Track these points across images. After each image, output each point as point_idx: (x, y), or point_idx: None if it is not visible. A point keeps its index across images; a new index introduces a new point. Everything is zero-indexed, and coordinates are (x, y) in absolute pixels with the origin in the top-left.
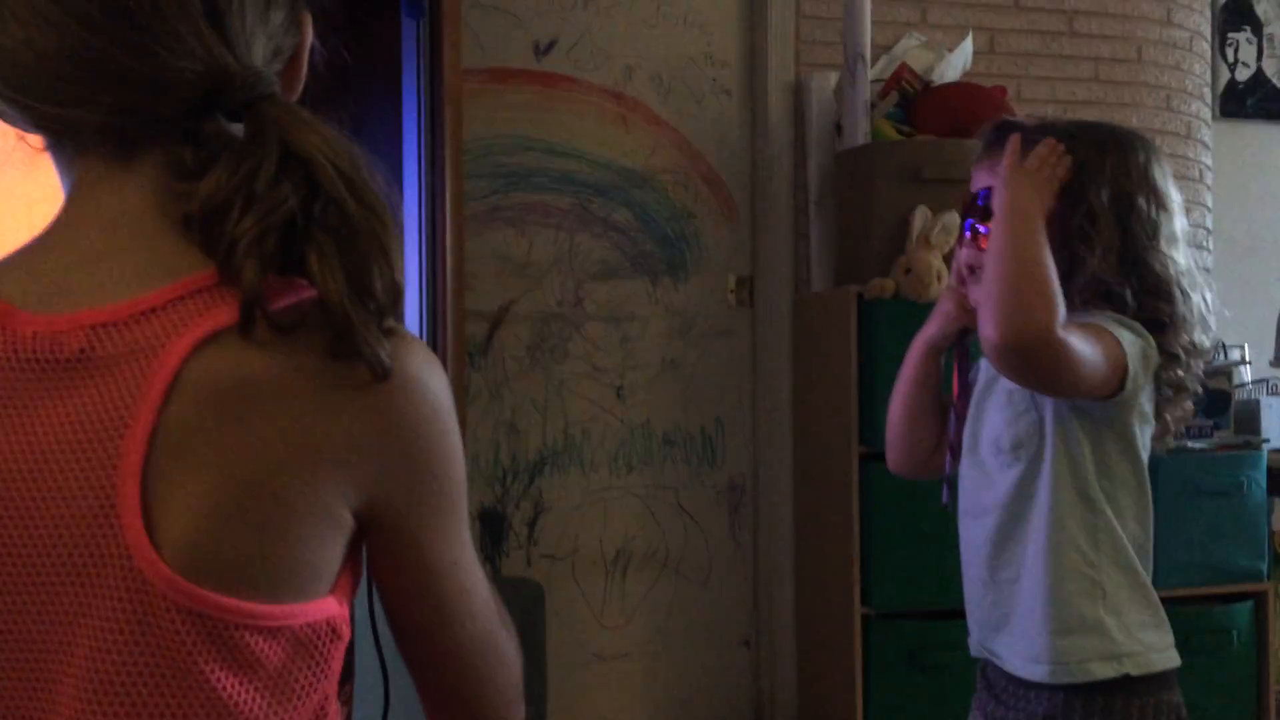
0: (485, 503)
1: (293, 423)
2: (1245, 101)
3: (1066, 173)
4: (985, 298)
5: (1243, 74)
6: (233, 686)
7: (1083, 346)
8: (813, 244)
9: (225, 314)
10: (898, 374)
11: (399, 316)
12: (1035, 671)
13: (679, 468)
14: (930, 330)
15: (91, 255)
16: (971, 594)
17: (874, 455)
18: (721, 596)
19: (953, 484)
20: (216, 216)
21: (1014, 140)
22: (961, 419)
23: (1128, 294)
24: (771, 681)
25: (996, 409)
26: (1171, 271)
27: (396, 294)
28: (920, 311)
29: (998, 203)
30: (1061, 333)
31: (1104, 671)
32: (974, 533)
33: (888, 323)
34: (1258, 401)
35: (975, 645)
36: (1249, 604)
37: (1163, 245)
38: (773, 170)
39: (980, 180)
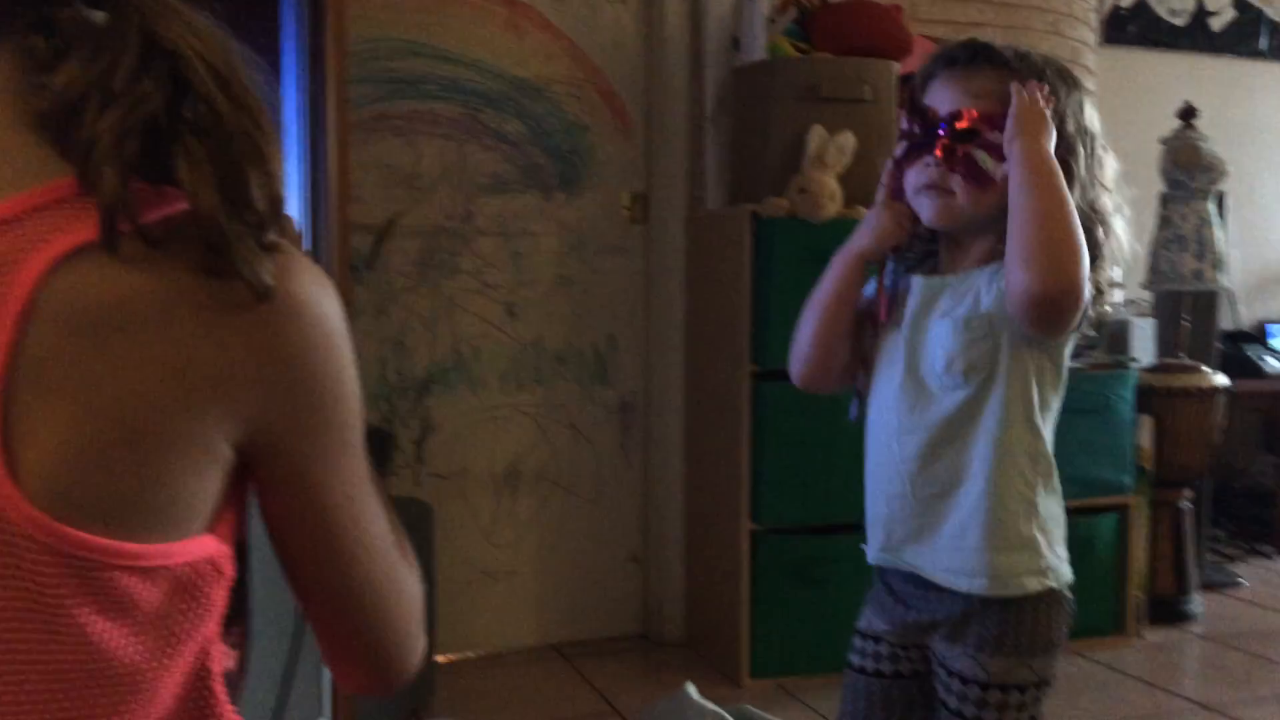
0: (371, 421)
1: (164, 348)
2: (1127, 28)
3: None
4: (1021, 249)
5: (1126, 0)
6: (106, 630)
7: None
8: (708, 161)
9: (87, 228)
10: (816, 287)
11: (283, 230)
12: (971, 584)
13: (570, 386)
14: (863, 243)
15: None
16: (881, 506)
17: (765, 374)
18: (611, 513)
19: (863, 399)
20: (71, 114)
21: (1033, 88)
22: (878, 334)
23: (1099, 232)
24: (660, 596)
25: (947, 332)
26: (1110, 208)
27: (277, 205)
28: (815, 231)
29: (1020, 148)
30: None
31: (1034, 586)
32: (897, 447)
33: (782, 242)
34: (1129, 323)
35: (876, 553)
36: (1114, 515)
37: (1108, 181)
38: (668, 84)
39: (946, 99)
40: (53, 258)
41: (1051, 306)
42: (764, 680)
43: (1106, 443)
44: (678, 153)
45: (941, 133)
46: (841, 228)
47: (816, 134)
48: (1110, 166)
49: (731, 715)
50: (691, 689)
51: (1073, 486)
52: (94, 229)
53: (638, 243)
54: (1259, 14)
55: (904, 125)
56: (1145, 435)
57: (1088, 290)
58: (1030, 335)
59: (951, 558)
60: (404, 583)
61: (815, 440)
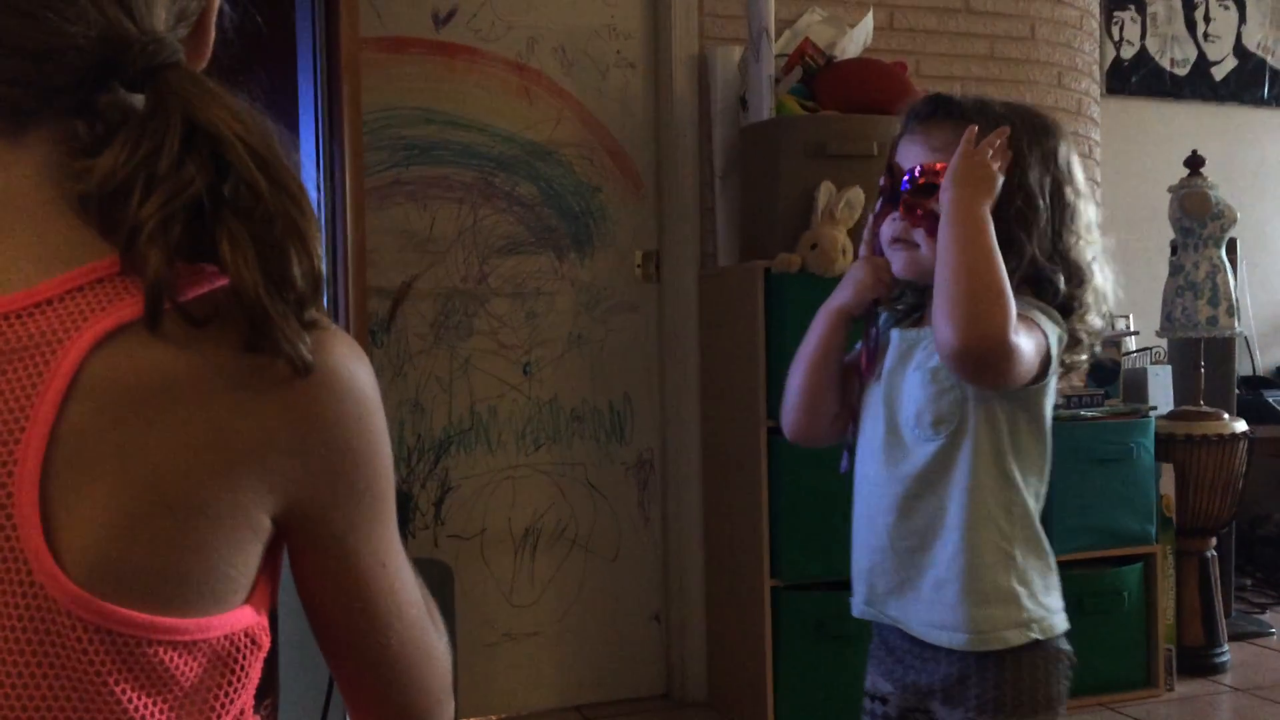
0: None
1: (205, 424)
2: (1130, 79)
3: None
4: (943, 302)
5: (1127, 51)
6: (145, 706)
7: (1025, 343)
8: (718, 219)
9: (129, 306)
10: (802, 343)
11: (320, 307)
12: (953, 639)
13: (587, 444)
14: (844, 298)
15: None
16: (864, 558)
17: (781, 429)
18: (631, 572)
19: (852, 451)
20: (116, 199)
21: (986, 139)
22: (864, 387)
23: (1060, 280)
24: (683, 655)
25: (918, 384)
26: (1088, 257)
27: (317, 282)
28: (826, 285)
29: (949, 200)
30: (1014, 337)
31: (1017, 639)
32: (877, 500)
33: (794, 297)
34: (1145, 370)
35: (861, 606)
36: (1139, 566)
37: (1081, 230)
38: (677, 144)
39: (911, 155)
40: (97, 335)
41: (974, 358)
42: None
43: (1129, 492)
44: (689, 211)
45: (904, 188)
46: None
47: (825, 190)
48: (1086, 214)
49: None
50: None
51: (1096, 536)
52: (135, 307)
53: (651, 300)
54: (1262, 62)
55: (880, 182)
56: (1167, 483)
57: (1015, 339)
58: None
59: (931, 612)
60: (434, 648)
61: (833, 495)
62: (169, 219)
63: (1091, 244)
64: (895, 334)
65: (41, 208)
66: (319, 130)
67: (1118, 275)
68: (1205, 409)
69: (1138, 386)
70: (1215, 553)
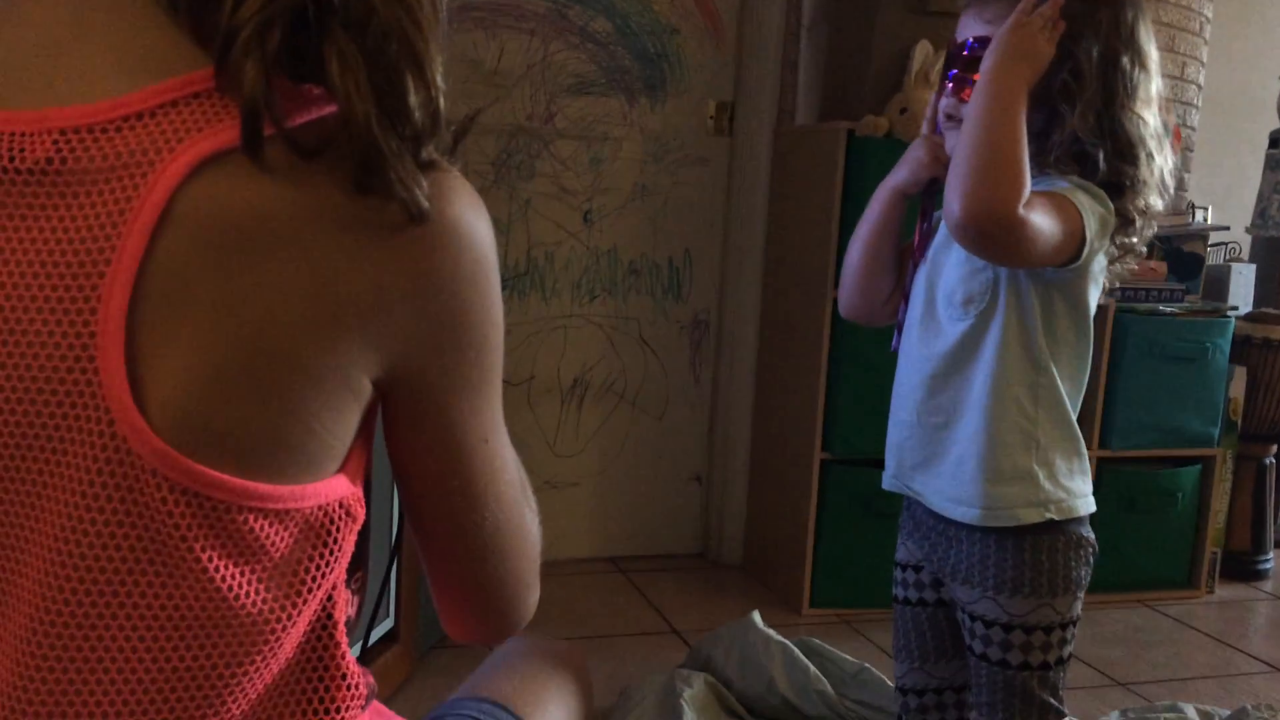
0: None
1: (308, 271)
2: None
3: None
4: (954, 172)
5: None
6: (233, 576)
7: (1043, 222)
8: (801, 73)
9: (229, 130)
10: (859, 220)
11: (441, 146)
12: (966, 514)
13: (643, 299)
14: (900, 176)
15: (52, 38)
16: (896, 432)
17: None
18: (677, 431)
19: (900, 329)
20: None
21: (1026, 4)
22: (917, 267)
23: (1100, 156)
24: (721, 517)
25: (954, 264)
26: (1142, 133)
27: (436, 116)
28: None
29: (985, 70)
30: (1023, 213)
31: (1030, 516)
32: (910, 376)
33: (877, 164)
34: (1229, 267)
35: (890, 479)
36: (1197, 468)
37: (1138, 106)
38: None
39: (967, 27)
40: (191, 162)
41: (976, 232)
42: (824, 610)
43: (1197, 393)
44: (770, 62)
45: (953, 63)
46: None
47: (921, 50)
48: (1147, 87)
49: (797, 648)
50: (757, 617)
51: (1157, 435)
52: (235, 131)
53: (722, 155)
54: None
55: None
56: (1238, 386)
57: (1025, 214)
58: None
59: (951, 486)
60: (529, 532)
61: (891, 373)
62: (267, 24)
63: (1150, 119)
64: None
65: (129, 5)
66: None
67: (1177, 154)
68: None
69: (1219, 284)
70: (1274, 460)
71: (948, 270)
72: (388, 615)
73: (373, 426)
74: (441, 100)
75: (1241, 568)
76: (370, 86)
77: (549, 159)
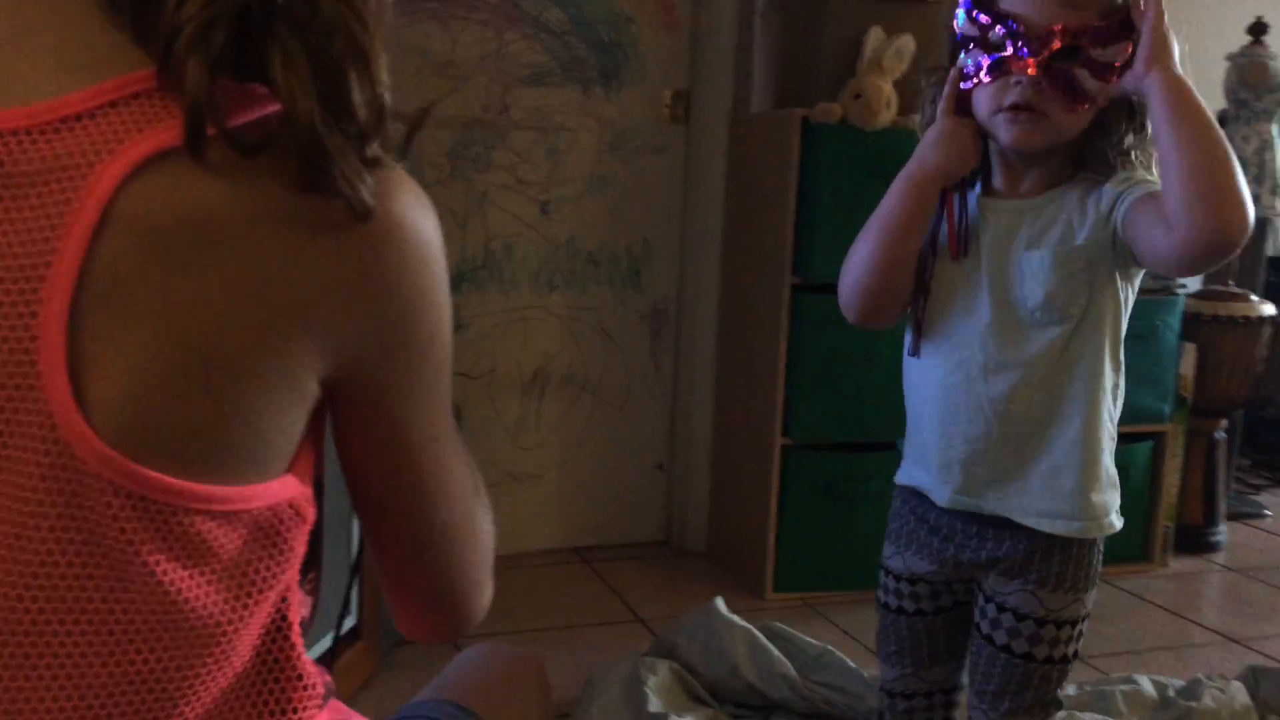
0: None
1: (252, 271)
2: None
3: None
4: (1199, 197)
5: None
6: (182, 580)
7: None
8: (755, 60)
9: (170, 130)
10: (878, 215)
11: (386, 142)
12: (1069, 528)
13: (602, 289)
14: (944, 164)
15: None
16: (958, 449)
17: (806, 287)
18: (638, 420)
19: (922, 332)
20: None
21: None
22: (938, 265)
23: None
24: (684, 505)
25: (1045, 265)
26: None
27: (381, 113)
28: (867, 139)
29: (1164, 85)
30: None
31: (1118, 523)
32: (983, 386)
33: (832, 150)
34: None
35: (953, 496)
36: (1149, 444)
37: None
38: None
39: (1037, 6)
40: (132, 162)
41: (1222, 252)
42: (788, 594)
43: (1149, 370)
44: (724, 50)
45: (1039, 48)
46: (895, 137)
47: (874, 36)
48: None
49: (761, 633)
50: (720, 604)
51: None
52: (177, 131)
53: (678, 143)
54: None
55: (972, 32)
56: (1188, 363)
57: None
58: (1122, 267)
59: (1044, 500)
60: (480, 529)
61: (851, 357)
62: (210, 24)
63: None
64: (977, 205)
65: (68, 4)
66: None
67: None
68: (1234, 289)
69: None
70: (1225, 434)
71: (1031, 271)
72: (349, 612)
73: (322, 426)
74: (387, 96)
75: (1194, 541)
76: (314, 84)
77: (505, 151)
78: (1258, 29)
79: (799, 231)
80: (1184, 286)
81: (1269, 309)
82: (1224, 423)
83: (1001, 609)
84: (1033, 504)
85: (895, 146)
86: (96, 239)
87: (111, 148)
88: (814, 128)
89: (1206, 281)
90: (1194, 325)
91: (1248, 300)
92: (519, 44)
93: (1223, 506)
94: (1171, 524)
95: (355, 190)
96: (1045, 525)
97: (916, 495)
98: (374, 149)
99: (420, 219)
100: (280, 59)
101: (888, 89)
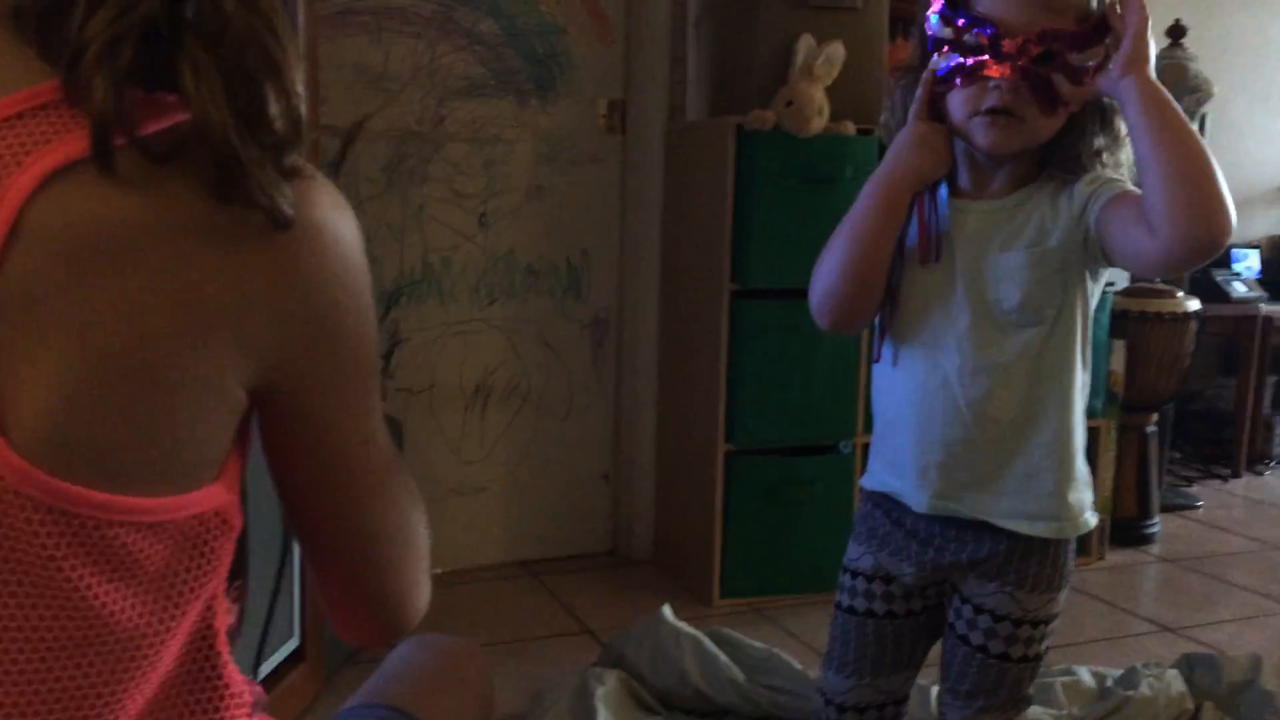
0: None
1: (170, 280)
2: None
3: None
4: (1187, 194)
5: None
6: (106, 593)
7: None
8: (690, 69)
9: (78, 140)
10: (848, 220)
11: (302, 152)
12: (1048, 529)
13: (543, 300)
14: (921, 168)
15: None
16: (935, 453)
17: (744, 293)
18: (582, 430)
19: (892, 338)
20: (54, 12)
21: (1135, 5)
22: (908, 269)
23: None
24: (630, 514)
25: (1020, 266)
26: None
27: (297, 124)
28: (800, 145)
29: (1140, 91)
30: None
31: (1092, 522)
32: (956, 391)
33: (765, 156)
34: None
35: (931, 501)
36: None
37: None
38: None
39: (1013, 9)
40: (41, 174)
41: (1209, 253)
42: (735, 600)
43: None
44: (658, 59)
45: (1017, 53)
46: (828, 143)
47: (805, 43)
48: None
49: (708, 638)
50: (668, 611)
51: None
52: (85, 142)
53: (614, 153)
54: None
55: (946, 34)
56: (1118, 359)
57: None
58: (1092, 265)
59: (1021, 502)
60: (414, 530)
61: (792, 361)
62: (117, 40)
63: None
64: (947, 208)
65: None
66: None
67: None
68: (1160, 286)
69: None
70: (1155, 428)
71: (1007, 272)
72: (291, 634)
73: (249, 433)
74: (302, 107)
75: (1129, 533)
76: (228, 97)
77: (441, 163)
78: (1176, 31)
79: (736, 238)
80: (1112, 284)
81: (1194, 304)
82: (1155, 417)
83: (979, 610)
84: (1011, 506)
85: (828, 153)
86: (8, 253)
87: (19, 160)
88: (748, 135)
89: (1133, 279)
90: (1122, 322)
91: (1174, 297)
92: (452, 56)
93: (1156, 499)
94: (1107, 517)
95: (273, 201)
96: (1025, 528)
97: (889, 500)
98: (292, 159)
99: (338, 222)
100: (191, 71)
101: (819, 96)
